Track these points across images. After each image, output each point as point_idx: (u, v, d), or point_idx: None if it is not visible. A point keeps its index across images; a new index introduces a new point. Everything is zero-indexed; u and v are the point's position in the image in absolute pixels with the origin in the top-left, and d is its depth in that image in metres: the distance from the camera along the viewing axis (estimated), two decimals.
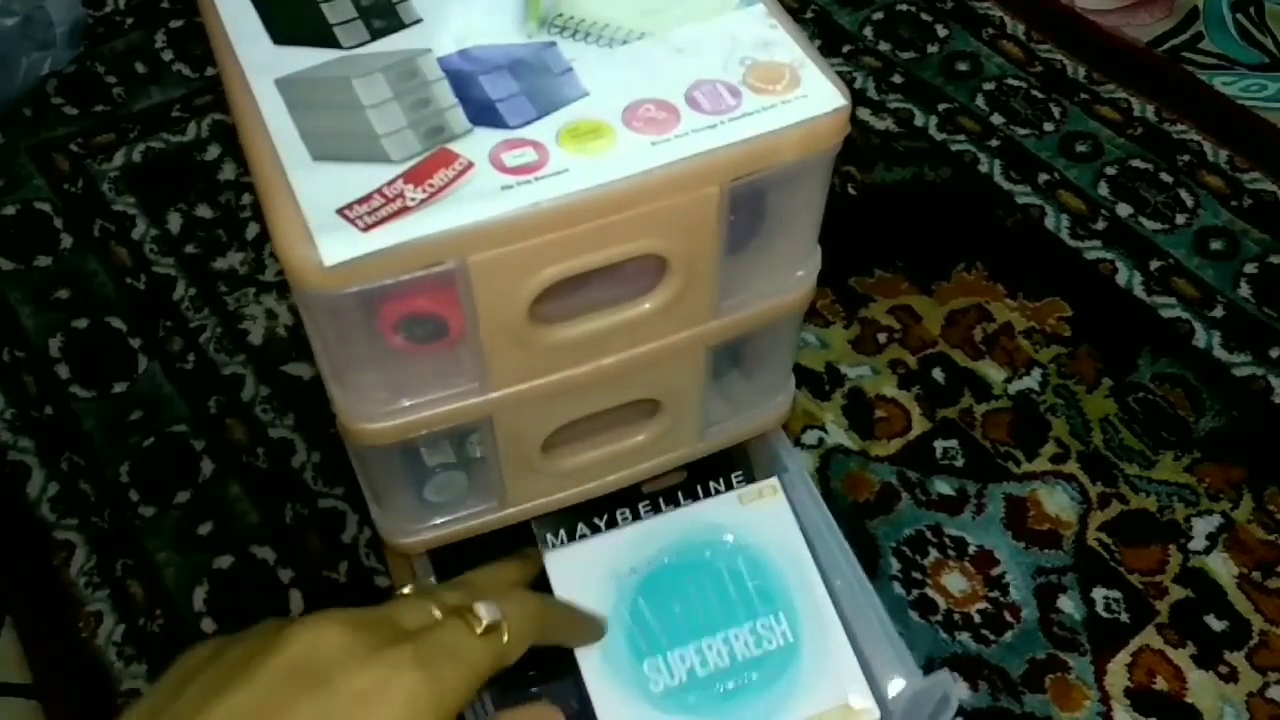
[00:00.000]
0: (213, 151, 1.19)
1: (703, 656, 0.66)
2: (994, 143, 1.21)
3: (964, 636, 0.88)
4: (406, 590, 0.54)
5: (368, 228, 0.45)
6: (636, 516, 0.69)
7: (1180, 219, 1.15)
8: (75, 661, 0.87)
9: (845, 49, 1.31)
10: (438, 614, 0.48)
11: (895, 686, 0.65)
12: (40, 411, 1.00)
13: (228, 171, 1.18)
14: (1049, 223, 1.14)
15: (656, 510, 0.70)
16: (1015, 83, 1.27)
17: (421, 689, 0.43)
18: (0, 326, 1.06)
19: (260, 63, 0.51)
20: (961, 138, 1.22)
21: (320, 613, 0.45)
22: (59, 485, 0.96)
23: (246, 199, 1.15)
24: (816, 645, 0.67)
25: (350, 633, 0.43)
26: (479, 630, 0.48)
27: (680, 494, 0.71)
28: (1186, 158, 1.20)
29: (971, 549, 0.92)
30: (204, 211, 1.14)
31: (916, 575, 0.91)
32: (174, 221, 1.14)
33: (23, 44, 1.20)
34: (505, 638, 0.49)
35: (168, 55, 1.29)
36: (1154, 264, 1.11)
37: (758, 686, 0.66)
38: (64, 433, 0.99)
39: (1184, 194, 1.17)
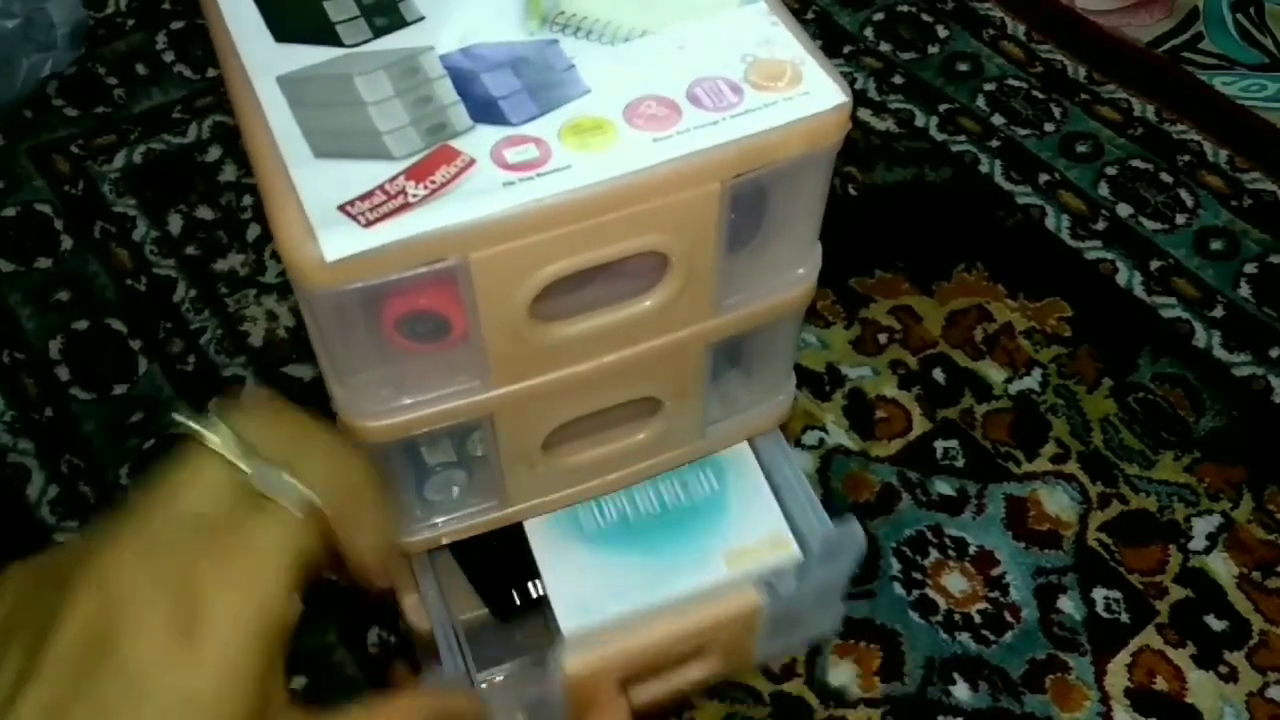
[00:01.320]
0: (213, 153, 1.19)
1: (633, 502, 0.70)
2: (994, 143, 1.21)
3: (964, 637, 0.88)
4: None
5: (369, 224, 0.45)
6: None
7: (1180, 219, 1.15)
8: None
9: (846, 50, 1.31)
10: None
11: (812, 530, 0.68)
12: (40, 413, 1.00)
13: (228, 173, 1.18)
14: (1049, 223, 1.14)
15: None
16: (1016, 83, 1.27)
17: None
18: (0, 328, 1.06)
19: (262, 60, 0.51)
20: (962, 138, 1.22)
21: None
22: (59, 487, 0.96)
23: (247, 200, 1.15)
24: (741, 495, 0.71)
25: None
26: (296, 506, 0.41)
27: None
28: (1186, 158, 1.20)
29: (972, 549, 0.92)
30: (205, 213, 1.14)
31: (917, 576, 0.91)
32: (175, 223, 1.14)
33: (24, 45, 1.20)
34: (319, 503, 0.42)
35: (169, 57, 1.29)
36: (1154, 264, 1.11)
37: (686, 528, 0.69)
38: (64, 435, 0.99)
39: (1184, 194, 1.17)
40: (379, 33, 0.53)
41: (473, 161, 0.47)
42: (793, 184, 0.55)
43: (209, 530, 0.40)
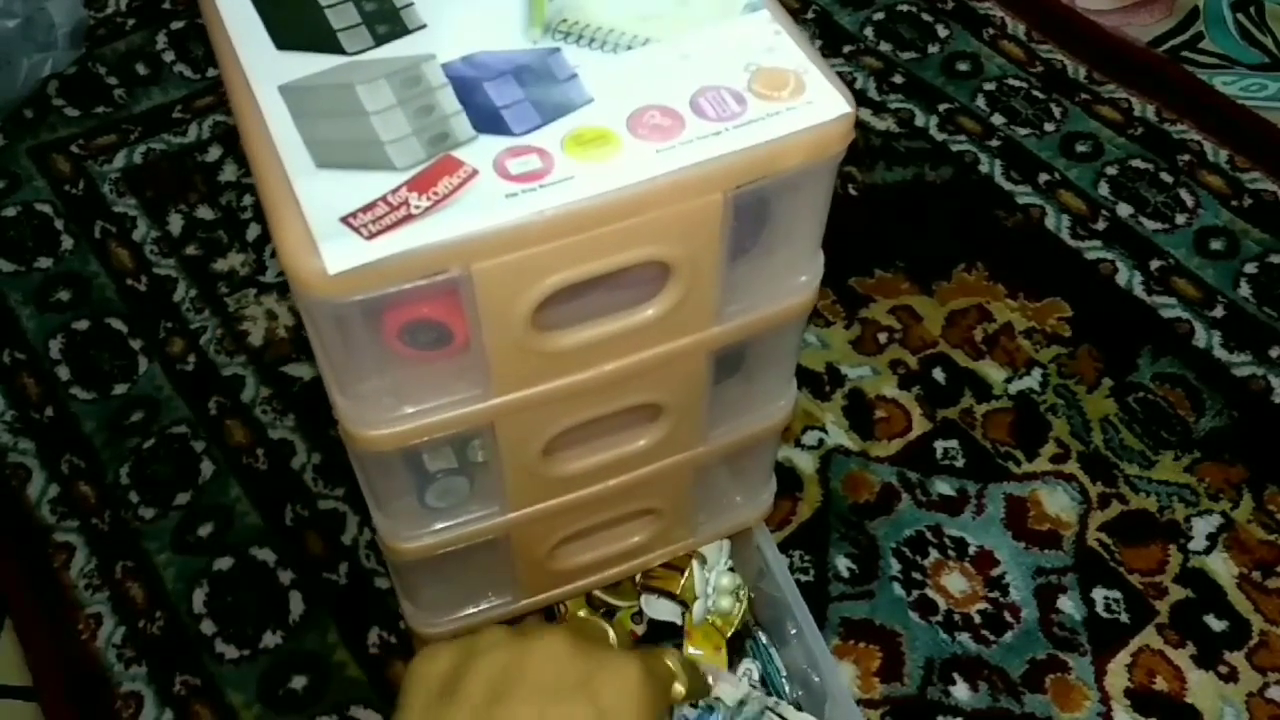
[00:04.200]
0: (214, 153, 1.19)
1: None
2: (994, 143, 1.21)
3: (964, 637, 0.88)
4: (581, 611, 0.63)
5: (372, 236, 0.45)
6: None
7: (1180, 219, 1.15)
8: (75, 663, 0.87)
9: (846, 49, 1.31)
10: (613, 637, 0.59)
11: None
12: (41, 413, 1.00)
13: (228, 173, 1.17)
14: (1049, 223, 1.14)
15: None
16: (1016, 83, 1.27)
17: (647, 691, 0.50)
18: (1, 328, 1.06)
19: (264, 69, 0.51)
20: (962, 138, 1.22)
21: (542, 627, 0.52)
22: (59, 487, 0.96)
23: (247, 200, 1.15)
24: None
25: (581, 642, 0.51)
26: (672, 669, 0.56)
27: None
28: (1187, 157, 1.20)
29: (972, 549, 0.93)
30: (205, 213, 1.14)
31: (917, 576, 0.91)
32: (175, 223, 1.14)
33: (24, 45, 1.20)
34: (683, 687, 0.57)
35: (169, 56, 1.29)
36: (1154, 264, 1.11)
37: None
38: (64, 434, 0.99)
39: (1184, 194, 1.17)
40: (381, 40, 0.53)
41: (475, 172, 0.47)
42: (795, 192, 0.54)
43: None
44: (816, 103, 0.50)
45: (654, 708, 0.51)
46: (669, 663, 0.56)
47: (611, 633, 0.57)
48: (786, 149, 0.50)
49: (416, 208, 0.46)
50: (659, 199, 0.49)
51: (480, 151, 0.48)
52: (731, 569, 0.80)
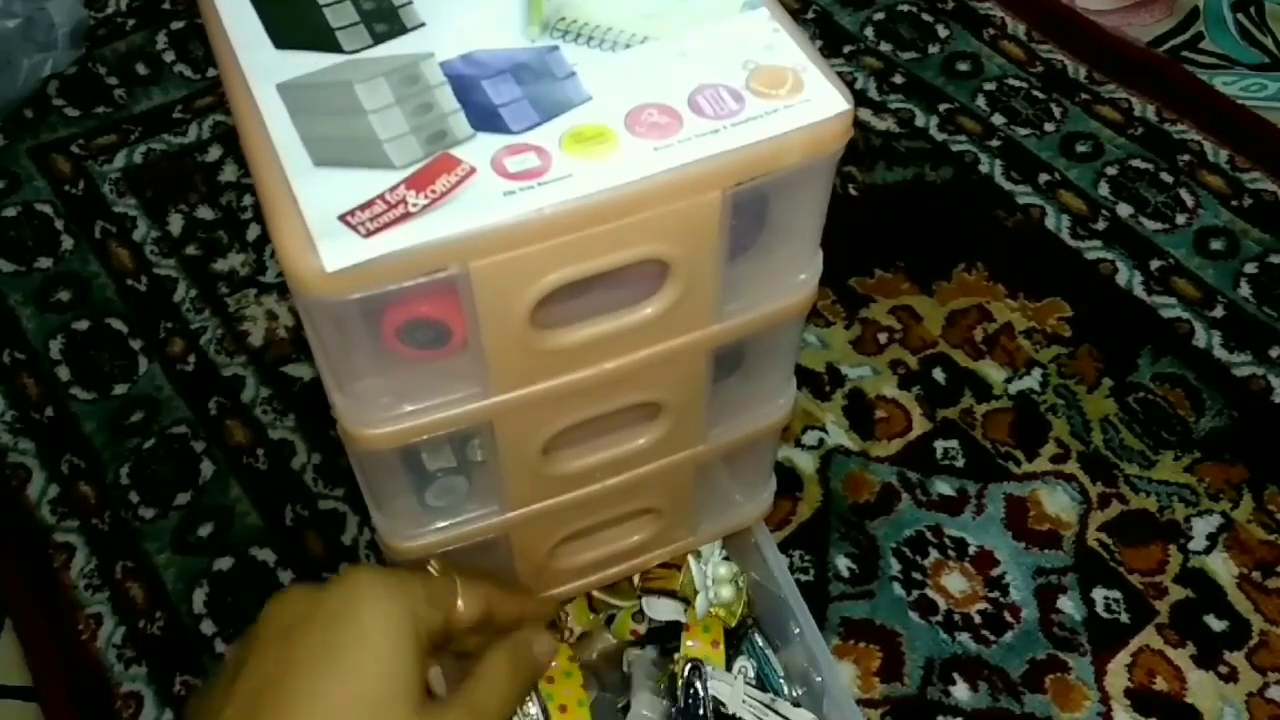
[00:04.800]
0: (214, 153, 1.19)
1: None
2: (994, 143, 1.21)
3: (964, 637, 0.88)
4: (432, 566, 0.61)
5: (370, 234, 0.45)
6: None
7: (1180, 219, 1.15)
8: (75, 663, 0.87)
9: (846, 49, 1.31)
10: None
11: None
12: (41, 413, 1.00)
13: (229, 173, 1.18)
14: (1049, 223, 1.14)
15: None
16: (1016, 83, 1.27)
17: (384, 598, 0.49)
18: (1, 328, 1.06)
19: (262, 67, 0.51)
20: (962, 138, 1.22)
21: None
22: (59, 487, 0.96)
23: (247, 200, 1.15)
24: None
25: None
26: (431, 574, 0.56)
27: None
28: (1187, 158, 1.20)
29: (972, 549, 0.93)
30: (205, 213, 1.14)
31: (916, 576, 0.91)
32: (175, 223, 1.14)
33: (24, 45, 1.20)
34: (456, 586, 0.55)
35: (169, 57, 1.29)
36: (1154, 264, 1.11)
37: None
38: (64, 435, 0.99)
39: (1184, 194, 1.17)
40: (379, 39, 0.53)
41: (473, 170, 0.47)
42: (794, 190, 0.54)
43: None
44: (815, 100, 0.50)
45: (399, 612, 0.50)
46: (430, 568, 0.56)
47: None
48: (785, 146, 0.50)
49: (414, 206, 0.46)
50: (657, 197, 0.49)
51: (478, 149, 0.48)
52: (726, 558, 0.80)
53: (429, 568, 0.62)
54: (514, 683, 0.56)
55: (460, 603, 0.54)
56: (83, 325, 1.06)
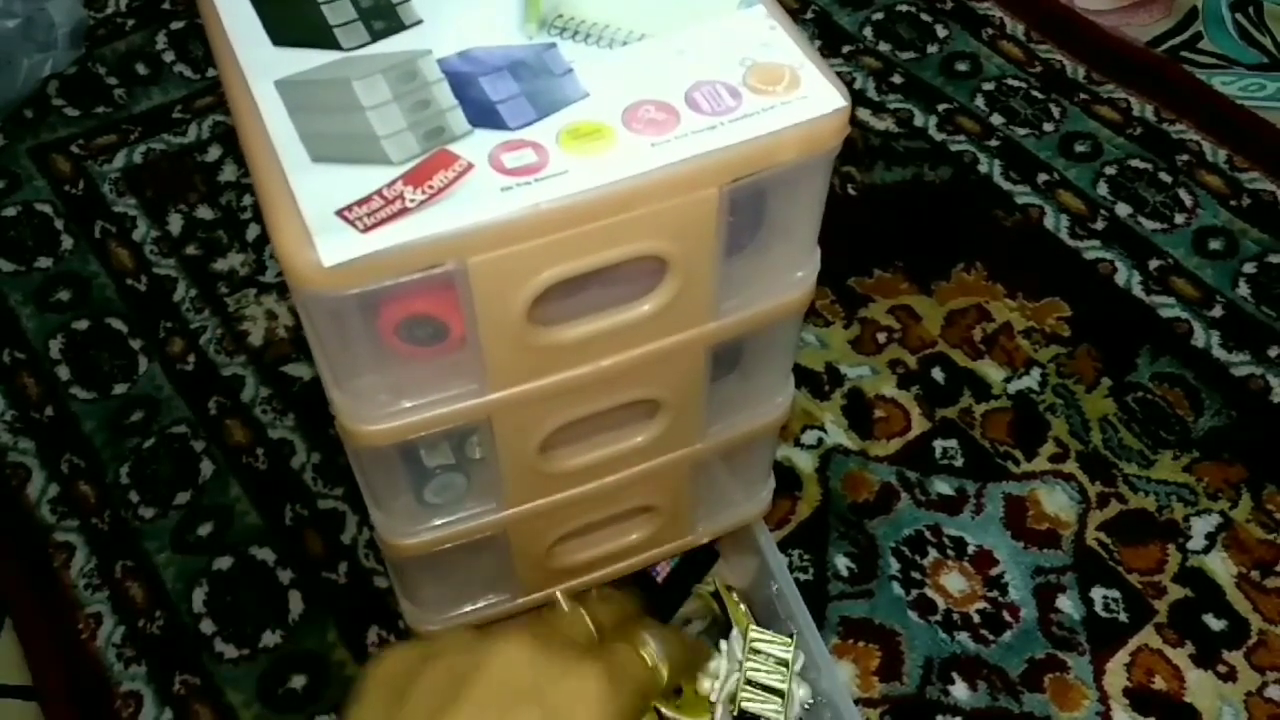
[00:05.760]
0: (213, 153, 1.19)
1: None
2: (994, 143, 1.21)
3: (963, 636, 0.88)
4: (563, 603, 0.58)
5: (367, 229, 0.45)
6: None
7: (1179, 218, 1.15)
8: (75, 663, 0.87)
9: (845, 49, 1.31)
10: (594, 632, 0.54)
11: None
12: (41, 413, 1.00)
13: (228, 173, 1.18)
14: (1048, 223, 1.14)
15: None
16: (1015, 83, 1.27)
17: (610, 699, 0.48)
18: (1, 328, 1.06)
19: (260, 64, 0.51)
20: (961, 138, 1.22)
21: (505, 630, 0.49)
22: (59, 487, 0.96)
23: (247, 200, 1.15)
24: None
25: (541, 647, 0.48)
26: (649, 664, 0.53)
27: None
28: (1185, 157, 1.20)
29: (971, 549, 0.93)
30: (205, 213, 1.15)
31: (916, 575, 0.91)
32: (175, 223, 1.14)
33: (24, 45, 1.20)
34: (665, 676, 0.54)
35: (169, 57, 1.29)
36: (1153, 263, 1.11)
37: None
38: (64, 434, 0.99)
39: (1183, 194, 1.17)
40: (377, 36, 0.53)
41: (471, 166, 0.47)
42: (791, 187, 0.55)
43: (598, 652, 0.51)
44: (811, 97, 0.50)
45: (622, 710, 0.49)
46: (644, 655, 0.54)
47: (589, 624, 0.55)
48: (782, 143, 0.50)
49: (412, 201, 0.46)
50: (654, 193, 0.49)
51: (475, 146, 0.48)
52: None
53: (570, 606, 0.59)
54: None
55: (662, 666, 0.54)
56: (83, 325, 1.06)
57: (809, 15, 1.35)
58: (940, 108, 1.25)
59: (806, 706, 0.75)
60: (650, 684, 0.54)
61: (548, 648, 0.49)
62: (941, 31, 1.33)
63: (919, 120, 1.24)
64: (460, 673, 0.47)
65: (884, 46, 1.32)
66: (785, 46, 0.52)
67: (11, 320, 1.07)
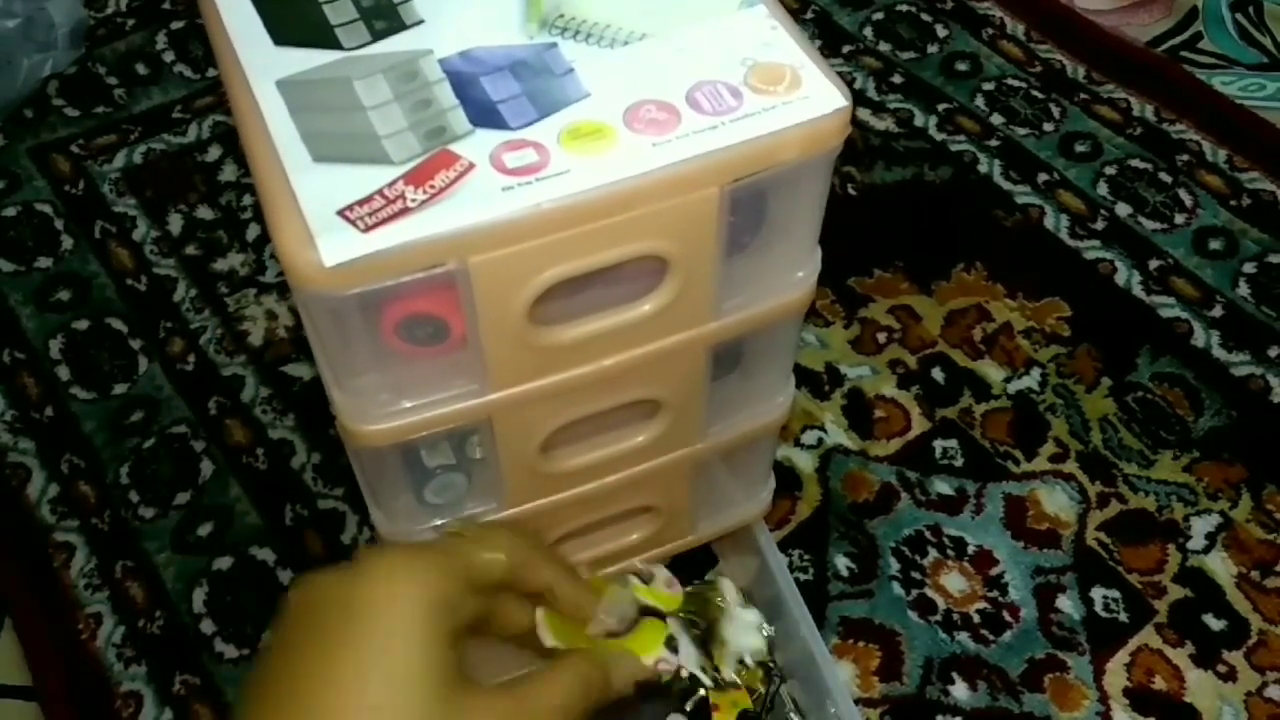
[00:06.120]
0: (214, 153, 1.19)
1: None
2: (994, 143, 1.21)
3: (963, 636, 0.88)
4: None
5: (368, 229, 0.45)
6: None
7: (1179, 218, 1.15)
8: (75, 663, 0.87)
9: (845, 49, 1.31)
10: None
11: None
12: (41, 413, 1.00)
13: (228, 173, 1.18)
14: (1048, 222, 1.14)
15: None
16: (1015, 83, 1.27)
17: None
18: (1, 328, 1.06)
19: (261, 64, 0.51)
20: (961, 138, 1.22)
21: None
22: (59, 487, 0.96)
23: (247, 200, 1.15)
24: None
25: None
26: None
27: None
28: (1185, 157, 1.20)
29: (971, 549, 0.93)
30: (205, 213, 1.15)
31: (916, 575, 0.91)
32: (175, 223, 1.14)
33: (24, 45, 1.20)
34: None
35: (169, 57, 1.29)
36: (1153, 263, 1.11)
37: None
38: (64, 434, 0.99)
39: (1183, 193, 1.17)
40: (378, 36, 0.53)
41: (472, 166, 0.47)
42: (792, 187, 0.55)
43: None
44: (813, 97, 0.50)
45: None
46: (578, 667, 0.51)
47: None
48: (783, 143, 0.50)
49: (413, 201, 0.46)
50: (655, 193, 0.49)
51: (477, 145, 0.48)
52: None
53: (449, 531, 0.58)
54: (578, 693, 0.52)
55: (485, 559, 0.49)
56: (83, 325, 1.06)
57: (809, 15, 1.35)
58: (940, 108, 1.25)
59: (767, 634, 0.75)
60: (458, 556, 0.50)
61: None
62: (941, 31, 1.33)
63: (919, 120, 1.24)
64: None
65: (884, 46, 1.32)
66: (786, 46, 0.52)
67: (11, 320, 1.07)
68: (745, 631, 0.71)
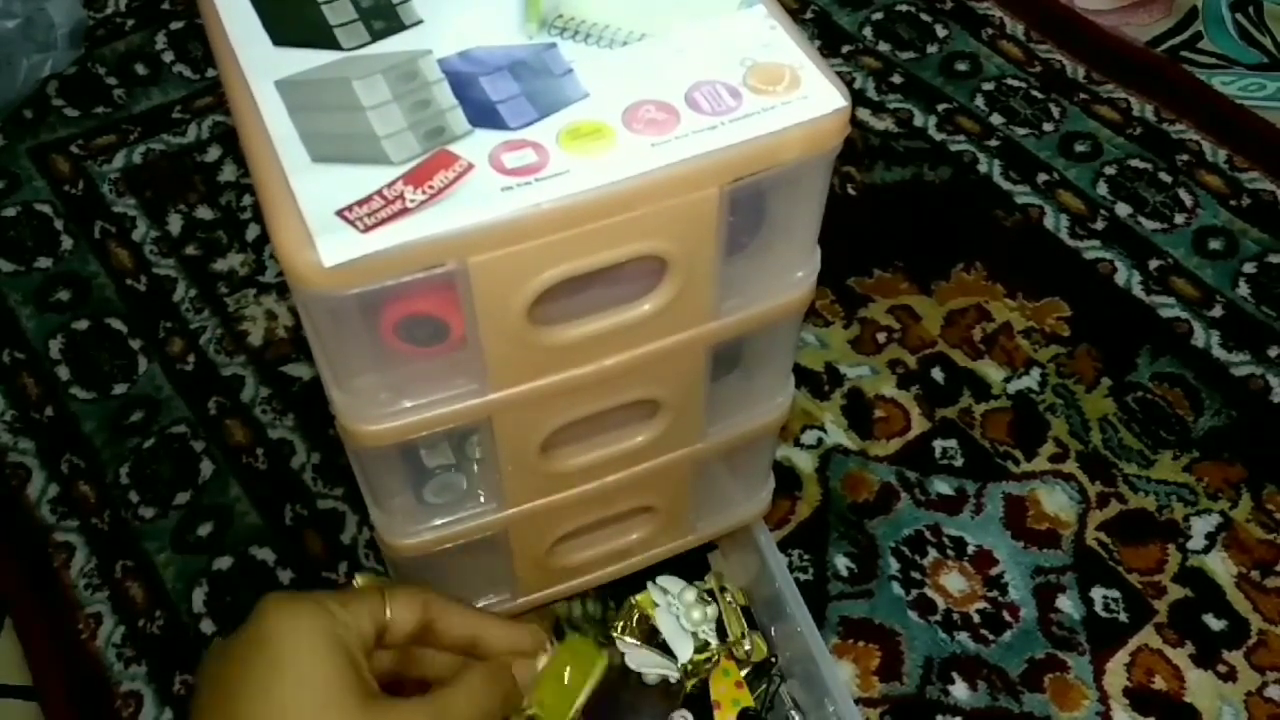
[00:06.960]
0: (213, 153, 1.19)
1: None
2: (993, 143, 1.21)
3: (963, 636, 0.88)
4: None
5: (367, 229, 0.45)
6: None
7: (1179, 218, 1.15)
8: (75, 663, 0.87)
9: (845, 49, 1.31)
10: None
11: None
12: (41, 413, 1.00)
13: (228, 173, 1.18)
14: (1048, 222, 1.14)
15: None
16: (1015, 83, 1.27)
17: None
18: (1, 328, 1.06)
19: (260, 64, 0.51)
20: (961, 138, 1.22)
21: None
22: (59, 487, 0.96)
23: (247, 200, 1.15)
24: None
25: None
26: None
27: None
28: (1185, 157, 1.20)
29: (970, 549, 0.93)
30: (204, 213, 1.15)
31: (915, 575, 0.91)
32: (174, 223, 1.14)
33: (24, 46, 1.20)
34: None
35: (168, 57, 1.29)
36: (1153, 263, 1.11)
37: None
38: (64, 434, 0.99)
39: (1183, 193, 1.17)
40: (377, 36, 0.53)
41: (471, 166, 0.47)
42: (792, 187, 0.55)
43: None
44: (812, 97, 0.50)
45: None
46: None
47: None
48: (782, 143, 0.50)
49: (412, 201, 0.46)
50: (654, 193, 0.49)
51: (476, 146, 0.48)
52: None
53: (354, 583, 0.62)
54: (488, 698, 0.54)
55: (389, 609, 0.52)
56: (82, 325, 1.06)
57: (809, 15, 1.35)
58: (940, 108, 1.25)
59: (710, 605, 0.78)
60: (356, 599, 0.52)
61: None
62: (941, 31, 1.33)
63: (919, 120, 1.24)
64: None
65: (884, 46, 1.32)
66: (785, 46, 0.52)
67: (11, 320, 1.07)
68: (688, 611, 0.74)
